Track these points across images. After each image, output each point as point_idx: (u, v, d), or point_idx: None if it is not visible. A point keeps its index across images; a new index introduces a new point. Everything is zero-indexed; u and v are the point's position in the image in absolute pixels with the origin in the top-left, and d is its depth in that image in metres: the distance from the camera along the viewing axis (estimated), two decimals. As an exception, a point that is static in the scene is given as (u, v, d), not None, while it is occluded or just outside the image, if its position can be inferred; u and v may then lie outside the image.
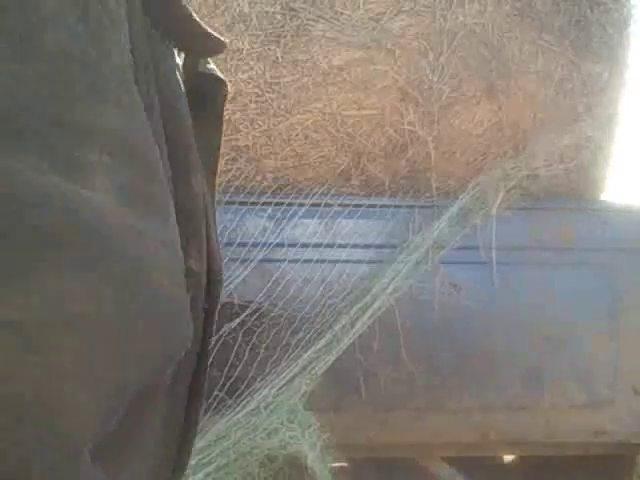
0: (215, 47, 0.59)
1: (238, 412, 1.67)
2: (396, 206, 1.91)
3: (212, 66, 0.66)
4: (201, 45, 0.59)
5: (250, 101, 1.94)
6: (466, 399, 1.89)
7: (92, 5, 0.40)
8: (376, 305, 1.78)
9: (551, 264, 1.96)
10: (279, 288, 1.81)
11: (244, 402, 1.69)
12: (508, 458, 2.25)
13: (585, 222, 2.00)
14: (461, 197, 1.92)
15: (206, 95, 0.64)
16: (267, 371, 1.75)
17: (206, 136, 0.62)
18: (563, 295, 1.95)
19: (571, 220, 1.99)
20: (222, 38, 0.58)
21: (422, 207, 1.93)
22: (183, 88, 0.57)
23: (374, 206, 1.87)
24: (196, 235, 0.54)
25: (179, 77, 0.58)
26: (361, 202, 1.89)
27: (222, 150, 0.67)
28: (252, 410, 1.66)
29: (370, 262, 1.86)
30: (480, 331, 1.91)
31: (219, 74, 0.66)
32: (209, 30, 0.57)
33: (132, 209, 0.37)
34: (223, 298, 1.53)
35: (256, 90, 1.93)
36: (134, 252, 0.36)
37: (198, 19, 0.55)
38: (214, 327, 0.58)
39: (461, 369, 1.89)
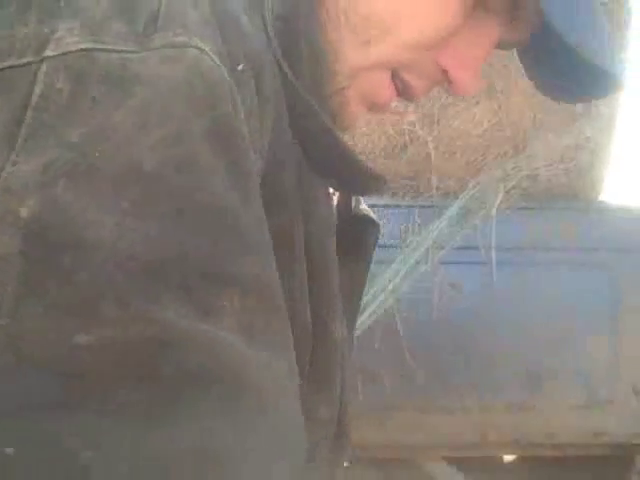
0: (378, 185, 0.56)
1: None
2: (396, 206, 1.91)
3: (365, 207, 0.65)
4: (364, 184, 0.57)
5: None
6: (466, 399, 1.89)
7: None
8: (376, 305, 1.78)
9: (551, 264, 1.96)
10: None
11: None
12: (508, 458, 2.25)
13: (584, 222, 2.00)
14: (461, 197, 1.92)
15: (356, 238, 0.63)
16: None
17: (351, 280, 0.61)
18: (563, 295, 1.95)
19: (570, 220, 2.00)
20: (383, 175, 0.56)
21: (422, 207, 1.93)
22: (334, 230, 0.56)
23: (374, 206, 1.87)
24: (329, 384, 0.56)
25: (331, 219, 0.57)
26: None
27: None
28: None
29: (370, 262, 1.86)
30: (480, 331, 1.91)
31: (373, 216, 0.65)
32: (371, 167, 0.55)
33: (257, 346, 0.40)
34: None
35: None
36: (265, 384, 0.40)
37: (360, 156, 0.54)
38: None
39: (461, 369, 1.89)
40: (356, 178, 0.56)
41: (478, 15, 0.55)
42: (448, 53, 0.56)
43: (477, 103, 1.98)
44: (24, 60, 0.39)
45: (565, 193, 2.08)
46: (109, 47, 0.39)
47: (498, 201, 1.89)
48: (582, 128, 2.05)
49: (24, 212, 0.36)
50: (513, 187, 1.94)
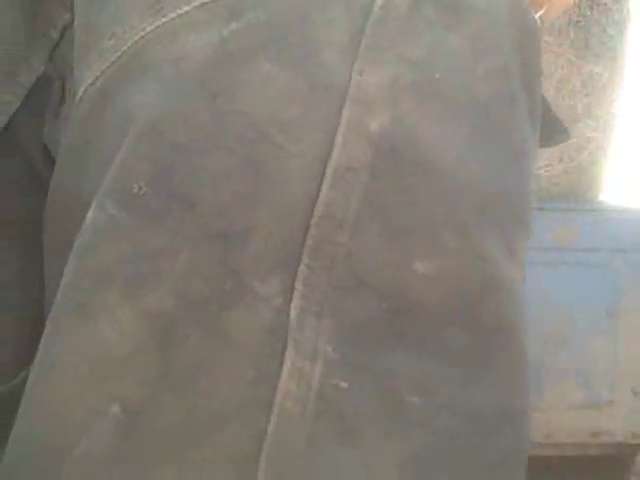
0: (563, 137, 0.57)
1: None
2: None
3: None
4: (550, 134, 0.56)
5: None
6: (465, 399, 1.89)
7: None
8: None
9: (550, 264, 1.96)
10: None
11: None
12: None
13: (584, 222, 2.00)
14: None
15: None
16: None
17: None
18: (562, 295, 1.94)
19: (570, 220, 1.99)
20: (567, 127, 0.57)
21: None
22: None
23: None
24: None
25: None
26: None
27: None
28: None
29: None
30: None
31: None
32: (558, 116, 0.56)
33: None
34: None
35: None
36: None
37: (549, 102, 0.55)
38: None
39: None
40: (546, 126, 0.55)
41: None
42: None
43: (477, 103, 1.98)
44: None
45: (565, 193, 2.08)
46: None
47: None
48: (582, 129, 2.05)
49: (374, 126, 0.36)
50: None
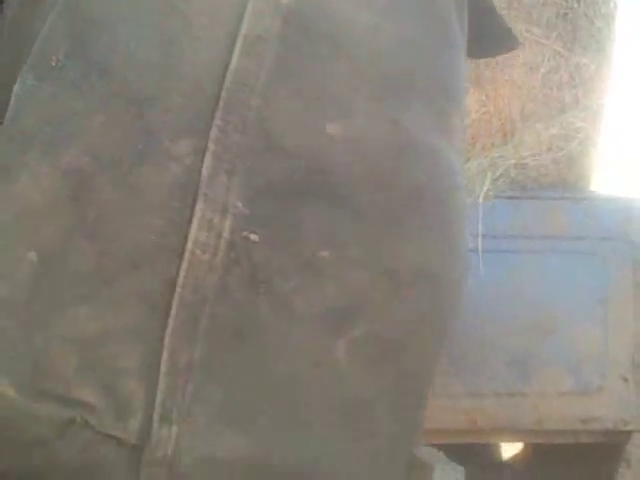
0: (513, 43, 0.57)
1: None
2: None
3: None
4: (499, 41, 0.56)
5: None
6: (454, 385, 1.90)
7: None
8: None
9: (539, 252, 1.97)
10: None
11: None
12: (498, 444, 2.25)
13: (573, 211, 2.01)
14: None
15: None
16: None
17: None
18: (551, 283, 1.96)
19: (559, 209, 2.01)
20: (517, 37, 0.56)
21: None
22: None
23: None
24: None
25: None
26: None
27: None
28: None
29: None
30: (468, 318, 1.92)
31: None
32: (509, 26, 0.55)
33: (462, 163, 0.40)
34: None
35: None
36: (462, 209, 0.39)
37: (500, 13, 0.54)
38: None
39: (450, 356, 1.90)
40: (494, 35, 0.56)
41: None
42: None
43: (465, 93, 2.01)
44: None
45: (554, 183, 2.09)
46: None
47: (485, 189, 1.91)
48: (570, 119, 2.07)
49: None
50: (501, 176, 1.96)
